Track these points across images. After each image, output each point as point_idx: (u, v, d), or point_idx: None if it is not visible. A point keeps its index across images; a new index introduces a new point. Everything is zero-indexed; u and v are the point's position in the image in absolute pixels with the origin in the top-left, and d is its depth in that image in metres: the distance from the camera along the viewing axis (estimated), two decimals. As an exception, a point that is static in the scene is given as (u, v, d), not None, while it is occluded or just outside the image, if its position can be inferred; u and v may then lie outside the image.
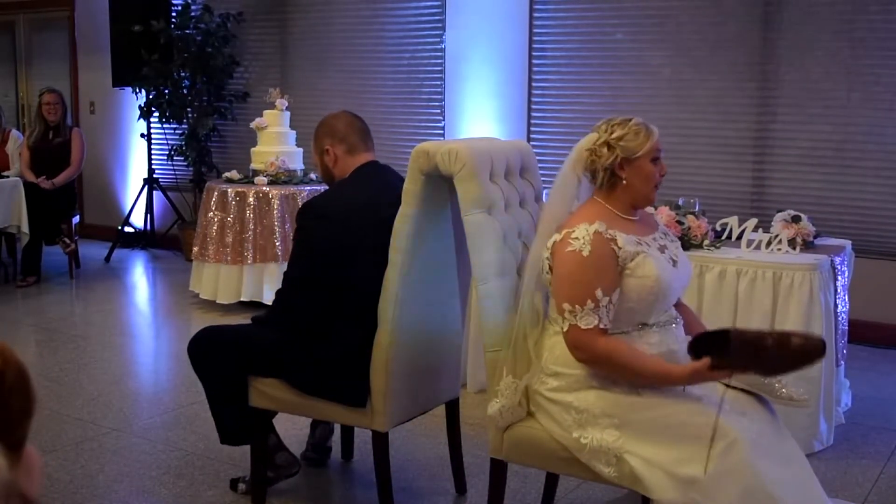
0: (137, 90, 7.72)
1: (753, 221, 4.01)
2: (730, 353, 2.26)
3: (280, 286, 3.05)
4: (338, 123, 3.13)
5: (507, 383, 2.57)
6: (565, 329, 2.44)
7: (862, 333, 5.12)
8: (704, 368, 2.30)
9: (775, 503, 2.25)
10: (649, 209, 3.77)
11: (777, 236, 3.86)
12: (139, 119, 7.88)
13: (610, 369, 2.42)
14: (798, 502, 2.31)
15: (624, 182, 2.53)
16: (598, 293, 2.40)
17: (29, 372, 1.09)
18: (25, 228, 6.45)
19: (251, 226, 5.81)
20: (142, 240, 8.10)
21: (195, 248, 6.05)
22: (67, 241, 6.84)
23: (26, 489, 1.07)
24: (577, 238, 2.44)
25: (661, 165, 2.57)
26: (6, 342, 1.07)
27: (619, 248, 2.44)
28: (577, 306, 2.40)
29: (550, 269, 2.51)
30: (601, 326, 2.41)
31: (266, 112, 6.33)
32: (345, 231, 2.91)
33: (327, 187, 3.24)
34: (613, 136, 2.52)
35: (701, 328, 2.68)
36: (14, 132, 7.20)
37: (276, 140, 6.25)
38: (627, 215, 2.56)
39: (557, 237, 2.49)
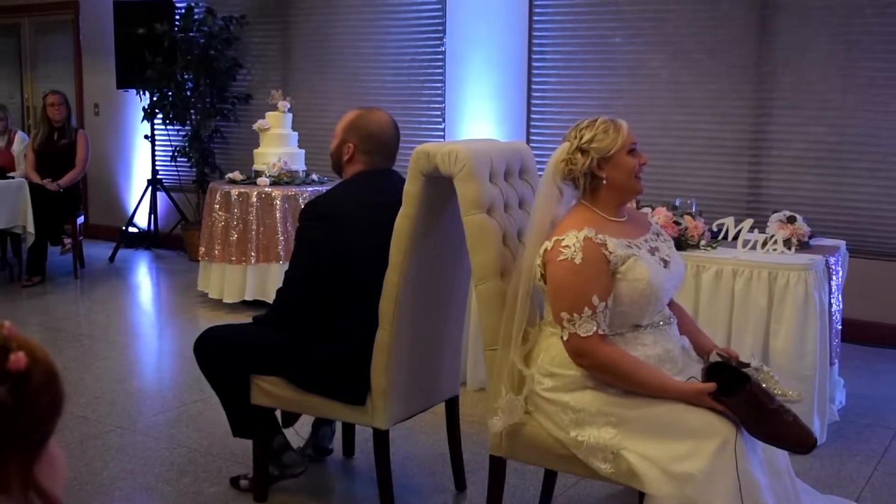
0: (141, 92, 7.77)
1: (749, 222, 4.03)
2: (737, 395, 2.33)
3: (281, 284, 3.08)
4: (376, 135, 3.06)
5: (508, 400, 2.59)
6: (565, 338, 2.45)
7: (856, 333, 5.14)
8: (705, 394, 2.35)
9: (768, 501, 2.29)
10: (644, 210, 3.83)
11: (773, 237, 3.89)
12: (143, 121, 7.92)
13: (612, 377, 2.44)
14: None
15: (605, 181, 2.53)
16: (595, 299, 2.41)
17: (58, 371, 1.07)
18: (31, 229, 6.49)
19: (254, 226, 5.87)
20: (145, 240, 8.14)
21: (202, 249, 6.11)
22: (64, 240, 6.88)
23: (48, 488, 1.07)
24: (567, 246, 2.44)
25: (640, 155, 2.56)
26: (38, 341, 1.07)
27: (610, 252, 2.45)
28: (574, 314, 2.42)
29: (543, 276, 2.52)
30: (600, 332, 2.43)
31: (268, 114, 6.37)
32: (346, 231, 2.93)
33: (327, 182, 3.24)
34: (584, 140, 2.52)
35: (694, 327, 2.72)
36: (20, 134, 7.27)
37: (278, 141, 6.29)
38: (615, 217, 2.57)
39: (548, 245, 2.50)
